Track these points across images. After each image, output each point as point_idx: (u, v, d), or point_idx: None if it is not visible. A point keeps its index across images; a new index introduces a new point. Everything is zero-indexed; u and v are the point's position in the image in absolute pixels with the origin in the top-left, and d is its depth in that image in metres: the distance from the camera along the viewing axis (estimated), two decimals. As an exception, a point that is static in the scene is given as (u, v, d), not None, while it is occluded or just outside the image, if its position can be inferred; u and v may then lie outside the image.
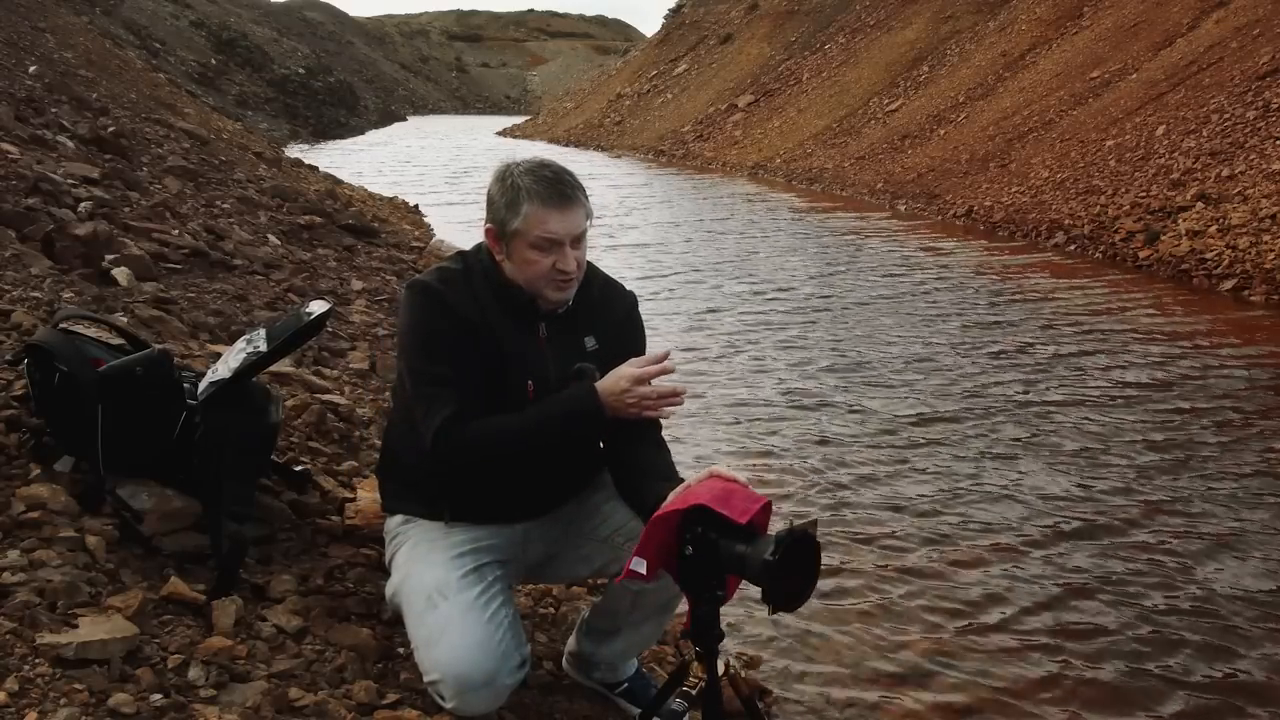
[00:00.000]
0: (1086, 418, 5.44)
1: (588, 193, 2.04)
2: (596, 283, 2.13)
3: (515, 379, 1.97)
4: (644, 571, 1.73)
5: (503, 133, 51.09)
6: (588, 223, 2.01)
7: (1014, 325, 7.84)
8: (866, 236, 13.15)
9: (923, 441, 5.08)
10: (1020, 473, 4.66)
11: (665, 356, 1.96)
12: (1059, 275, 10.01)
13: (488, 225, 2.02)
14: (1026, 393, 5.92)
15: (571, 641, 2.36)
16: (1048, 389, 6.01)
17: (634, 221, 14.97)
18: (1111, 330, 7.56)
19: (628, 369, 1.93)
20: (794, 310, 8.52)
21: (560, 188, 1.96)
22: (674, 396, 1.95)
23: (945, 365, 6.61)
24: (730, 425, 5.38)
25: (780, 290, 9.42)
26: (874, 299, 8.94)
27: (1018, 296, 8.94)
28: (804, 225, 14.65)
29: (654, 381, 1.93)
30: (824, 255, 11.67)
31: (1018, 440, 5.10)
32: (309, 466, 2.77)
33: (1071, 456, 4.85)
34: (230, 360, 2.26)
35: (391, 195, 16.18)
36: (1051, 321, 7.90)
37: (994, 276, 9.99)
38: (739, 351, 7.04)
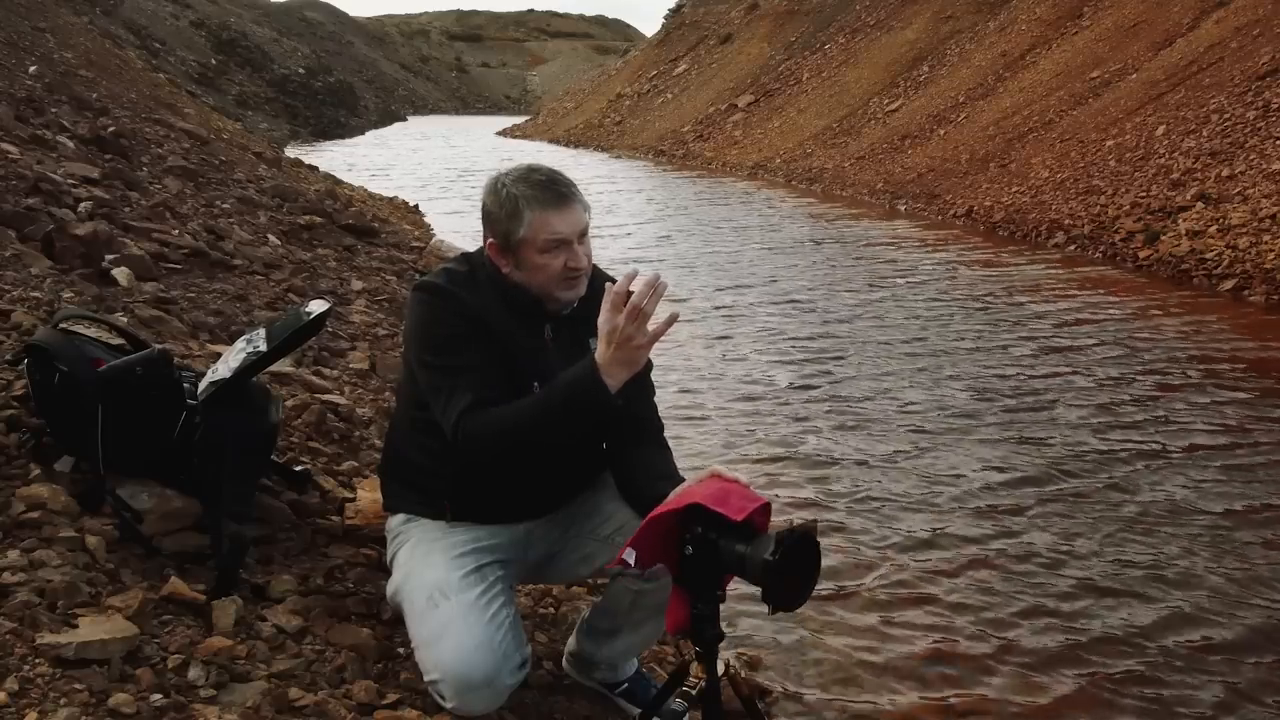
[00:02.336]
0: (1193, 483, 4.49)
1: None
2: (600, 284, 2.13)
3: (522, 381, 1.97)
4: (632, 562, 1.73)
5: (503, 133, 51.10)
6: (587, 216, 2.01)
7: (1076, 355, 6.84)
8: (901, 250, 12.08)
9: (994, 504, 4.32)
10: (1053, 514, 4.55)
11: (649, 282, 1.77)
12: (1117, 293, 9.06)
13: (490, 240, 2.01)
14: (1105, 448, 4.96)
15: (572, 641, 2.36)
16: (1132, 441, 5.05)
17: (645, 234, 13.99)
18: (1191, 360, 6.65)
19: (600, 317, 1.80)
20: (830, 339, 7.51)
21: (556, 188, 1.96)
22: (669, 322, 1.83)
23: (1013, 408, 5.64)
24: (761, 490, 4.74)
25: (816, 318, 8.35)
26: (920, 327, 7.92)
27: (1076, 319, 8.02)
28: (825, 234, 13.74)
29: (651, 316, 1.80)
30: (858, 272, 10.59)
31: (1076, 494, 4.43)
32: (309, 466, 2.77)
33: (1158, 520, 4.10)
34: (230, 360, 2.26)
35: (391, 195, 16.20)
36: (1120, 351, 6.95)
37: (1046, 295, 9.04)
38: (766, 392, 6.13)
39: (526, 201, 1.94)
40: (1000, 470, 4.71)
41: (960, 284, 9.81)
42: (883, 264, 11.12)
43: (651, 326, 1.80)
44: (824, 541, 1.92)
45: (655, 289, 1.75)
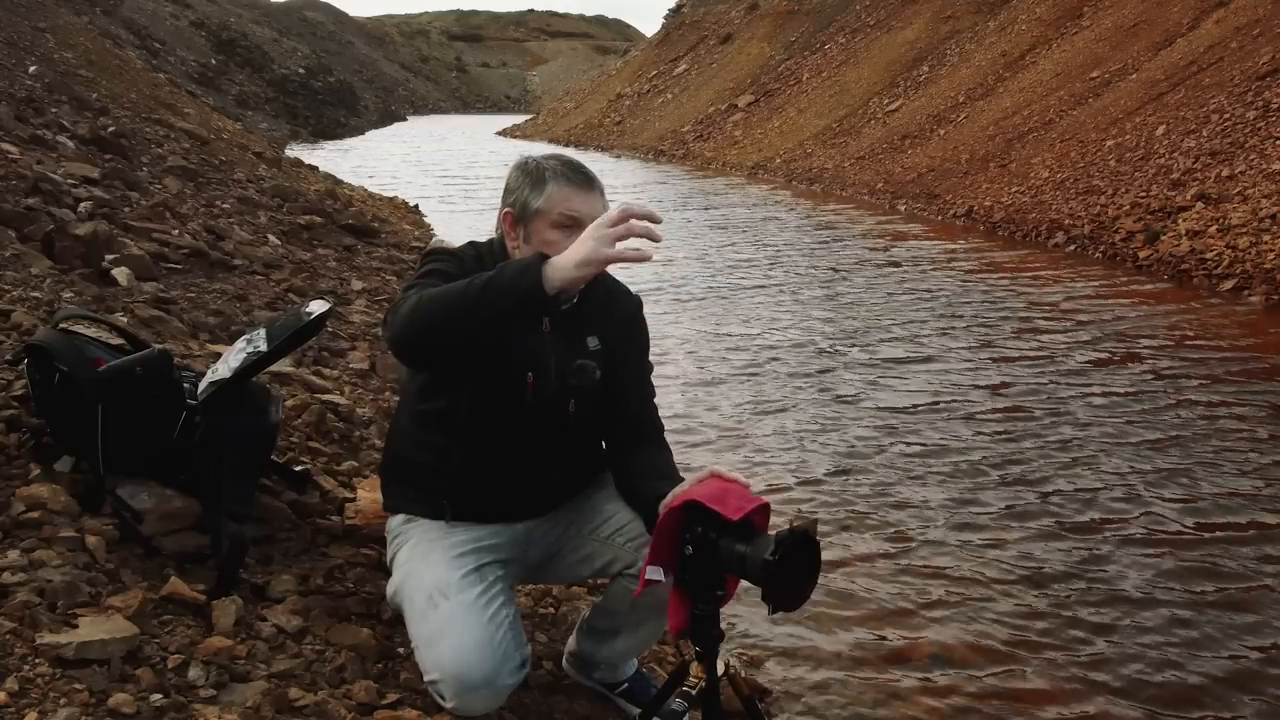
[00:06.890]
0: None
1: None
2: (603, 283, 2.13)
3: (516, 370, 1.97)
4: (661, 578, 1.74)
5: (503, 132, 51.09)
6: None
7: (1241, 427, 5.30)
8: (979, 278, 9.97)
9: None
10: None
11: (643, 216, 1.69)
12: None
13: (505, 209, 2.03)
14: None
15: (571, 641, 2.36)
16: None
17: (666, 254, 11.35)
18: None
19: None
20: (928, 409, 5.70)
21: (583, 171, 2.02)
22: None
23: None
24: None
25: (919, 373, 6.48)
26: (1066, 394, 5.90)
27: (1227, 370, 6.39)
28: (883, 255, 11.57)
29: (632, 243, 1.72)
30: (949, 312, 8.35)
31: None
32: (309, 466, 2.77)
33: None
34: (230, 360, 2.26)
35: (391, 195, 16.20)
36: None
37: (1165, 339, 7.27)
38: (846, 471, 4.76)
39: (553, 174, 1.99)
40: (1002, 470, 4.72)
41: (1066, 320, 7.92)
42: (993, 308, 8.57)
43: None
44: (824, 542, 1.91)
45: (650, 220, 1.69)
